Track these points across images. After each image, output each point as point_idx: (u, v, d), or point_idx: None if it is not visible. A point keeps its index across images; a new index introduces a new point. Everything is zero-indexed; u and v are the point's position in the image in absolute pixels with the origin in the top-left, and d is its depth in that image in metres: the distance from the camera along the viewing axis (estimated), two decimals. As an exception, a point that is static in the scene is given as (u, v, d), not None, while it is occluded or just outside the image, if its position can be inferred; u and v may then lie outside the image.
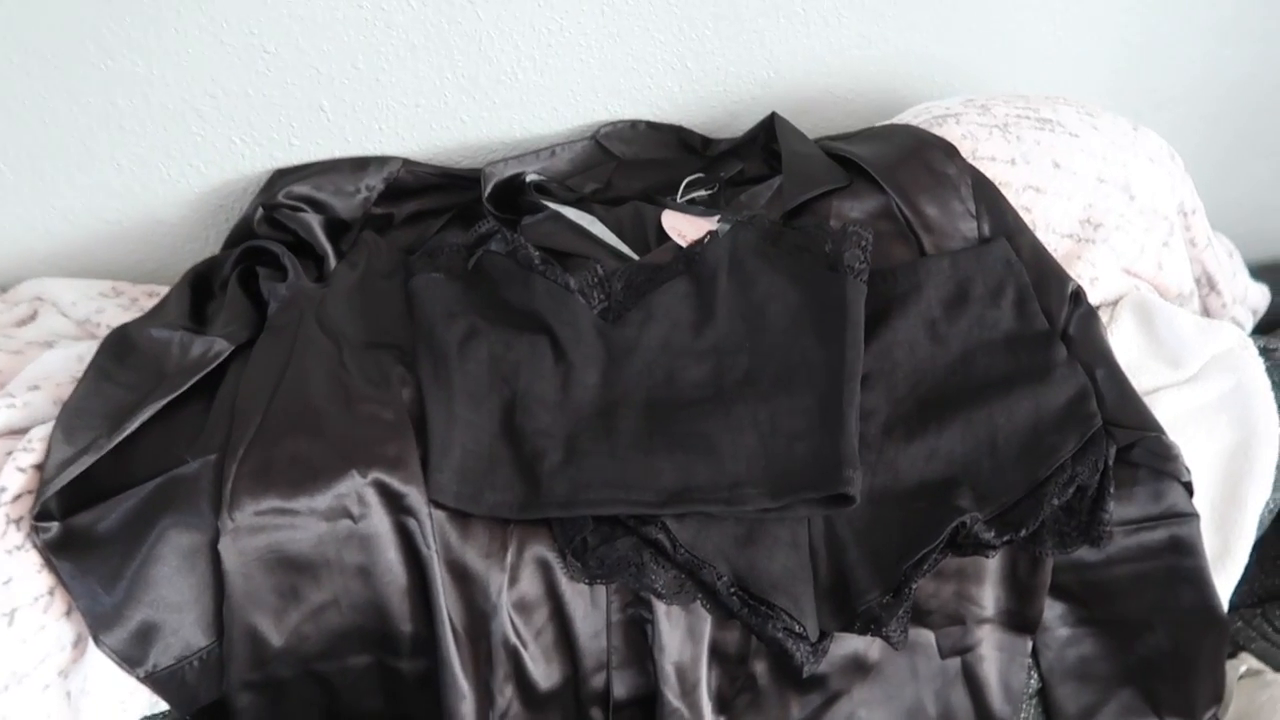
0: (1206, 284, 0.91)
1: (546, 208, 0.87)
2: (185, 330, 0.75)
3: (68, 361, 0.76)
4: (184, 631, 0.65)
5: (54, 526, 0.64)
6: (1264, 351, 0.82)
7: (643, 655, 0.69)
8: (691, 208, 0.87)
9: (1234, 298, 0.92)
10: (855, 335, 0.73)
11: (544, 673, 0.70)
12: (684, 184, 0.91)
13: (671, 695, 0.68)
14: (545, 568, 0.69)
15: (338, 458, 0.66)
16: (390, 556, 0.67)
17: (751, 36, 0.97)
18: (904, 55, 1.03)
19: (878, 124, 0.93)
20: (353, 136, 0.92)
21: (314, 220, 0.85)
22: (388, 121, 0.92)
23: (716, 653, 0.70)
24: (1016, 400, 0.73)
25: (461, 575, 0.68)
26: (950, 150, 0.82)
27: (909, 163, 0.82)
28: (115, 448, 0.67)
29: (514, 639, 0.68)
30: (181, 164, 0.90)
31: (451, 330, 0.75)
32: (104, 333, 0.77)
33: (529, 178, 0.91)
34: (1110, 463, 0.71)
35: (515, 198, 0.90)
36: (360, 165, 0.90)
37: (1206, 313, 0.92)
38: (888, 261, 0.78)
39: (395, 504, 0.67)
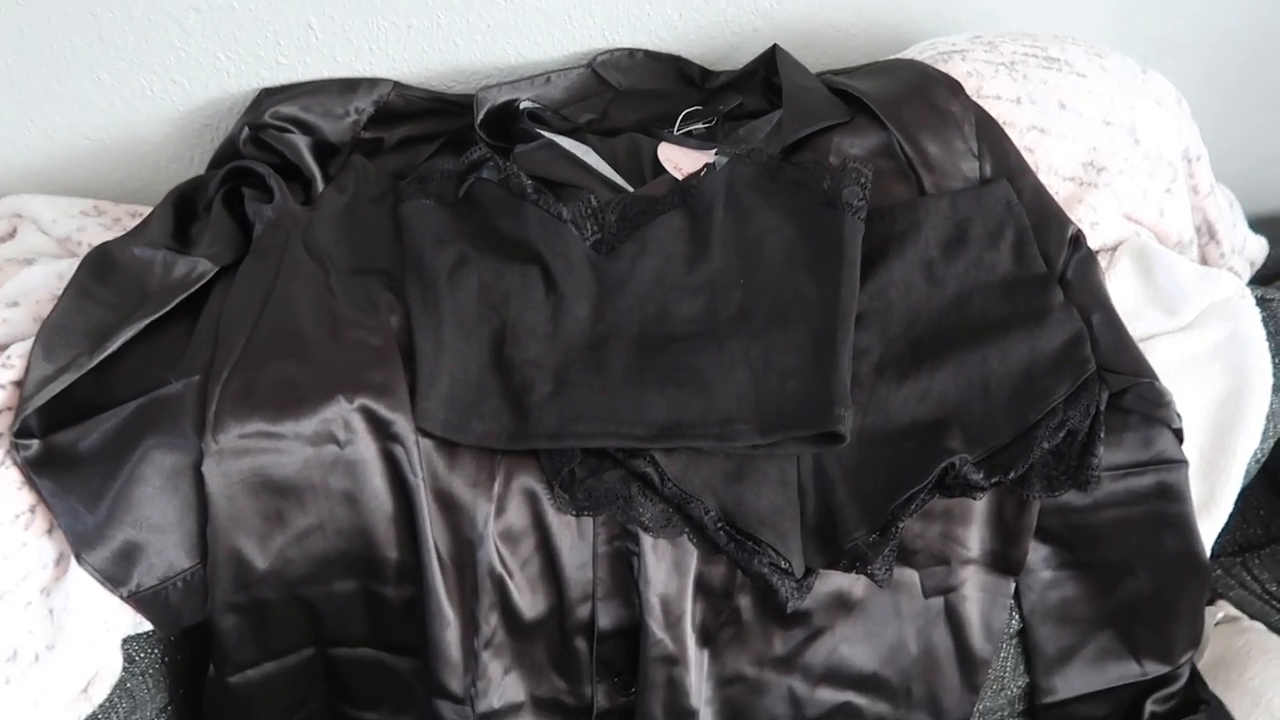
0: (1206, 232, 0.90)
1: (540, 136, 0.85)
2: (169, 250, 0.74)
3: (48, 279, 0.75)
4: (167, 553, 0.65)
5: (34, 444, 0.64)
6: (1261, 301, 0.81)
7: (628, 587, 0.70)
8: (688, 140, 0.86)
9: (1233, 248, 0.92)
10: (851, 273, 0.72)
11: (529, 602, 0.70)
12: (681, 116, 0.89)
13: (656, 627, 0.69)
14: (532, 499, 0.69)
15: (324, 383, 0.65)
16: (376, 483, 0.66)
17: (755, -35, 0.94)
18: (910, -11, 1.01)
19: (882, 59, 0.91)
20: (342, 57, 0.89)
21: (301, 142, 0.83)
22: (378, 42, 0.89)
23: (701, 586, 0.70)
24: (1011, 343, 0.73)
25: (448, 504, 0.68)
26: (955, 87, 0.81)
27: (912, 99, 0.80)
28: (96, 367, 0.66)
29: (500, 568, 0.68)
30: (164, 80, 0.87)
31: (441, 258, 0.74)
32: (85, 251, 0.76)
33: (523, 105, 0.89)
34: (1102, 408, 0.71)
35: (508, 125, 0.88)
36: (349, 87, 0.88)
37: (1205, 262, 0.91)
38: (887, 199, 0.77)
39: (382, 431, 0.66)
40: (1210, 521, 0.78)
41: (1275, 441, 0.83)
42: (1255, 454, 0.80)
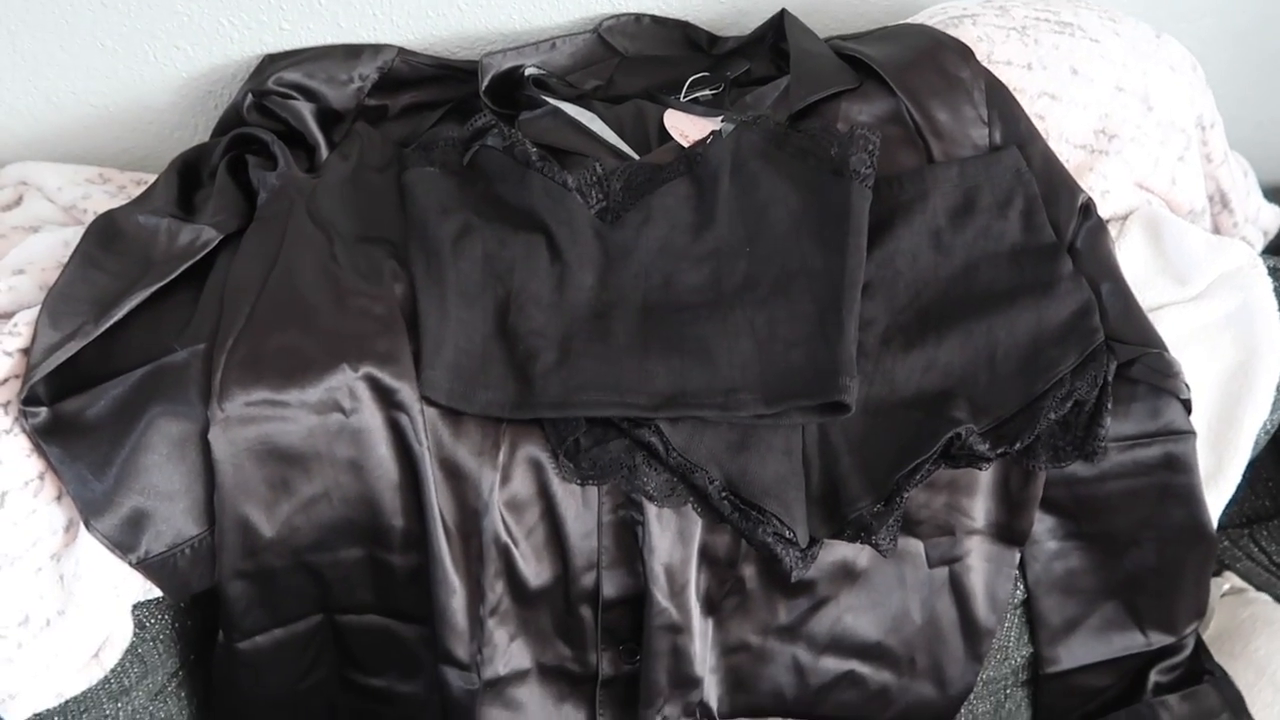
0: (1219, 201, 0.89)
1: (546, 103, 0.84)
2: (173, 218, 0.74)
3: (53, 246, 0.75)
4: (175, 520, 0.65)
5: (42, 411, 0.64)
6: (1273, 271, 0.80)
7: (633, 556, 0.70)
8: (695, 107, 0.85)
9: (1246, 217, 0.91)
10: (858, 242, 0.71)
11: (534, 570, 0.70)
12: (688, 83, 0.88)
13: (660, 596, 0.69)
14: (537, 467, 0.69)
15: (328, 351, 0.65)
16: (382, 452, 0.67)
17: (764, -73, 0.93)
18: (922, -47, 0.99)
19: (892, 24, 0.90)
20: (346, 22, 0.88)
21: (305, 109, 0.83)
22: (382, 8, 0.88)
23: (706, 555, 0.71)
24: (1018, 313, 0.72)
25: (453, 472, 0.68)
26: (965, 52, 0.79)
27: (921, 65, 0.79)
28: (102, 335, 0.66)
29: (505, 537, 0.69)
30: (168, 46, 0.86)
31: (445, 226, 0.73)
32: (90, 219, 0.76)
33: (528, 71, 0.88)
34: (1109, 379, 0.70)
35: (513, 92, 0.88)
36: (354, 53, 0.87)
37: (1217, 230, 0.90)
38: (895, 167, 0.76)
39: (387, 399, 0.66)
40: (1218, 493, 0.78)
41: (1285, 413, 0.83)
42: (1265, 425, 0.80)
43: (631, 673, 0.72)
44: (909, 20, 0.89)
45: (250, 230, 0.73)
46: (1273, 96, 1.25)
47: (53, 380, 0.65)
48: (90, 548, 0.63)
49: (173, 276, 0.69)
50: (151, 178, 0.84)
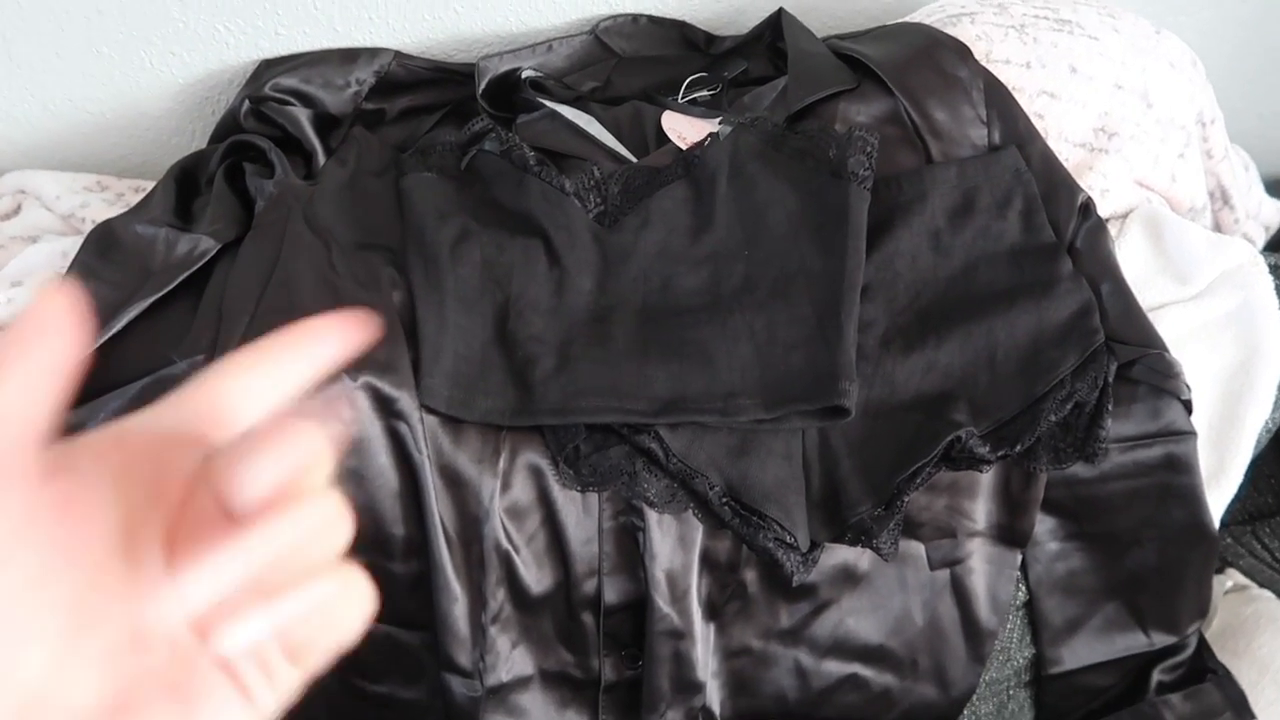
0: (1220, 197, 0.89)
1: (543, 106, 0.84)
2: (171, 227, 0.73)
3: (51, 257, 0.75)
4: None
5: (41, 425, 0.64)
6: (1274, 269, 0.80)
7: (634, 562, 0.70)
8: (692, 109, 0.85)
9: (1247, 212, 0.90)
10: (856, 244, 0.71)
11: (536, 577, 0.70)
12: (686, 83, 0.88)
13: (662, 601, 0.69)
14: (537, 474, 0.69)
15: (327, 360, 0.65)
16: (381, 460, 0.67)
17: (760, -74, 0.92)
18: (920, -51, 0.98)
19: (890, 23, 0.89)
20: (341, 26, 0.88)
21: (302, 114, 0.83)
22: (377, 11, 0.88)
23: (707, 560, 0.71)
24: (1018, 314, 0.72)
25: (453, 480, 0.68)
26: (963, 52, 0.79)
27: (919, 64, 0.79)
28: (101, 347, 0.66)
29: (506, 543, 0.69)
30: (163, 52, 0.86)
31: (443, 232, 0.73)
32: (88, 228, 0.75)
33: (525, 74, 0.87)
34: (1110, 380, 0.70)
35: (511, 95, 0.87)
36: (350, 57, 0.87)
37: (1218, 227, 0.90)
38: (893, 168, 0.76)
39: (386, 408, 0.66)
40: (1220, 492, 0.78)
41: (1287, 410, 0.82)
42: (1266, 423, 0.80)
43: (634, 678, 0.72)
44: (907, 19, 0.89)
45: (248, 239, 0.73)
46: (1274, 89, 1.25)
47: (52, 393, 0.64)
48: (91, 560, 0.63)
49: (171, 287, 0.69)
50: (150, 184, 0.83)
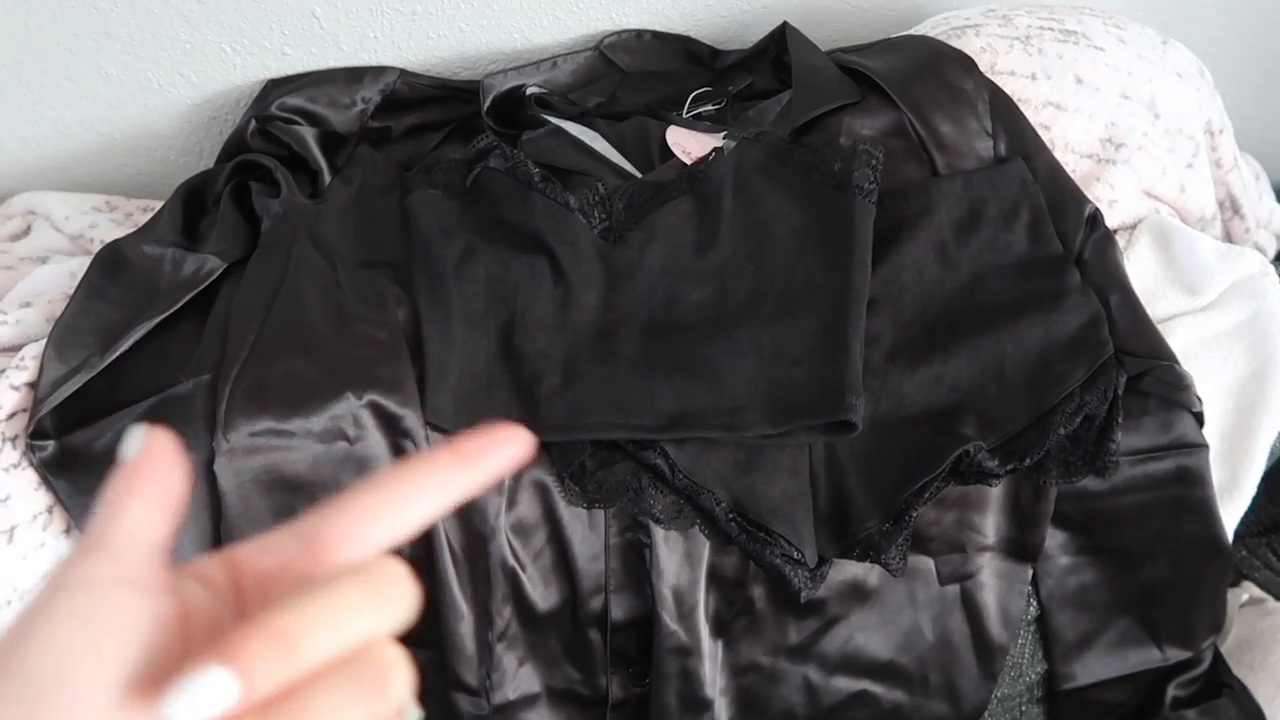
0: (1230, 207, 0.88)
1: (547, 122, 0.84)
2: (177, 247, 0.74)
3: (60, 278, 0.75)
4: (182, 551, 0.65)
5: (50, 445, 0.64)
6: (1286, 279, 0.79)
7: (640, 579, 0.69)
8: (697, 123, 0.85)
9: (1258, 222, 0.89)
10: (862, 258, 0.71)
11: (542, 594, 0.70)
12: (690, 98, 0.88)
13: (669, 618, 0.69)
14: (543, 491, 0.69)
15: (332, 379, 0.65)
16: (387, 479, 0.66)
17: (764, -60, 0.93)
18: (924, -38, 0.98)
19: (894, 35, 0.89)
20: (347, 45, 0.88)
21: (308, 133, 0.83)
22: (383, 29, 0.88)
23: (714, 577, 0.70)
24: (1026, 326, 0.72)
25: (459, 498, 0.68)
26: (968, 64, 0.79)
27: (924, 77, 0.78)
28: (108, 366, 0.66)
29: (512, 561, 0.68)
30: (171, 73, 0.87)
31: (448, 249, 0.73)
32: (97, 248, 0.76)
33: (530, 91, 0.88)
34: (1120, 392, 0.69)
35: (515, 111, 0.87)
36: (355, 76, 0.87)
37: (1229, 237, 0.89)
38: (899, 181, 0.76)
39: (392, 426, 0.66)
40: (1233, 505, 0.77)
41: (1301, 421, 0.81)
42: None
43: (641, 695, 0.72)
44: (911, 32, 0.88)
45: (254, 258, 0.73)
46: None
47: (60, 413, 0.65)
48: (99, 580, 0.63)
49: (177, 306, 0.69)
50: (158, 204, 0.84)
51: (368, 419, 0.65)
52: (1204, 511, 0.73)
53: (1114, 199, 0.80)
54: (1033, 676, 0.79)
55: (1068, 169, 0.78)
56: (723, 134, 0.80)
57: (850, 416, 0.66)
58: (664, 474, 0.68)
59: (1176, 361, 0.70)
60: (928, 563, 0.73)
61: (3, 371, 0.66)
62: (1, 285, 0.76)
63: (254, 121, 0.83)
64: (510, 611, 0.69)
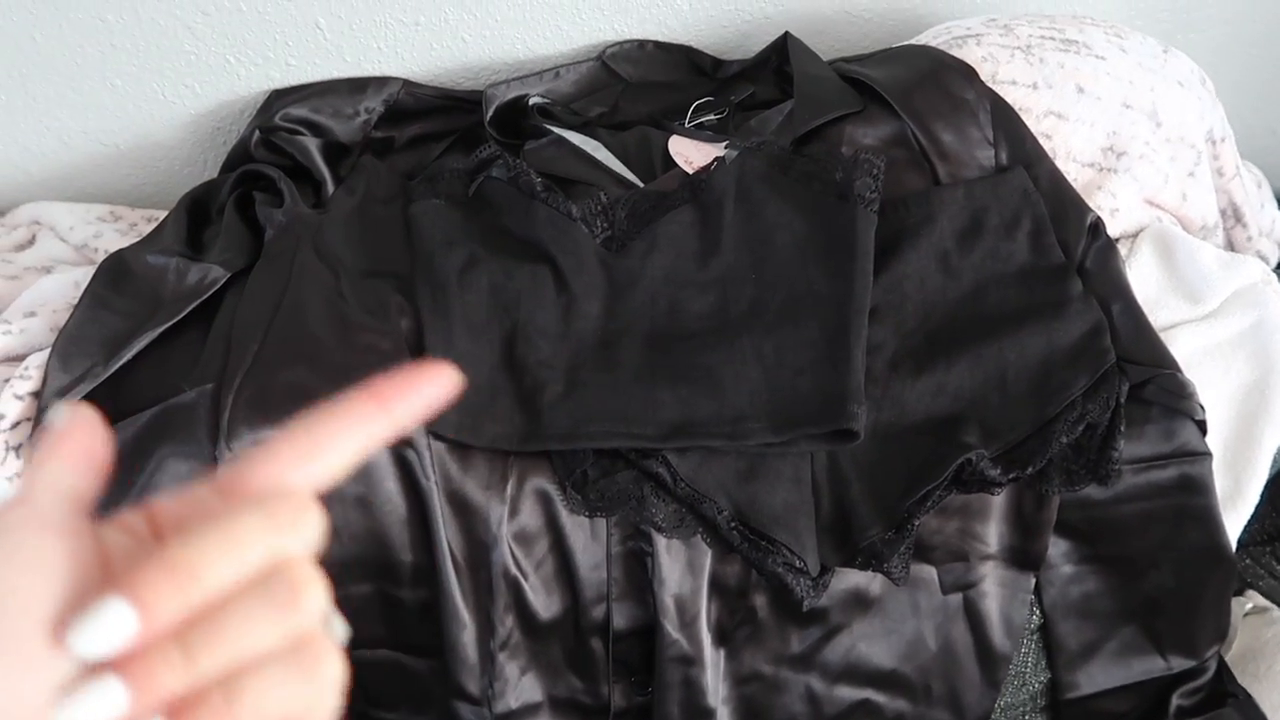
0: (1232, 216, 0.88)
1: (550, 132, 0.84)
2: (181, 257, 0.74)
3: (64, 288, 0.76)
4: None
5: (53, 454, 0.64)
6: (1288, 287, 0.79)
7: (642, 587, 0.69)
8: (699, 133, 0.85)
9: (1260, 230, 0.89)
10: (864, 266, 0.71)
11: (544, 603, 0.70)
12: (692, 108, 0.88)
13: (671, 627, 0.69)
14: (545, 500, 0.69)
15: (335, 388, 0.65)
16: (389, 487, 0.67)
17: (765, -49, 0.93)
18: (925, -28, 0.99)
19: (895, 45, 0.89)
20: (350, 56, 0.89)
21: (312, 144, 0.83)
22: (386, 40, 0.89)
23: (716, 586, 0.70)
24: (1028, 335, 0.72)
25: (461, 506, 0.68)
26: (969, 73, 0.79)
27: (925, 86, 0.79)
28: (112, 376, 0.67)
29: (514, 570, 0.68)
30: (176, 84, 0.87)
31: (451, 259, 0.74)
32: (101, 258, 0.76)
33: (532, 101, 0.88)
34: (1122, 400, 0.69)
35: (518, 121, 0.88)
36: (359, 87, 0.88)
37: (1231, 245, 0.89)
38: (900, 190, 0.76)
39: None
40: (1236, 513, 0.77)
41: (1304, 429, 0.81)
42: (1283, 443, 0.79)
43: (643, 704, 0.72)
44: (912, 41, 0.89)
45: (257, 268, 0.73)
46: (1286, 104, 1.24)
47: (63, 422, 0.65)
48: (102, 589, 0.64)
49: (181, 316, 0.70)
50: (162, 214, 0.84)
51: (370, 428, 0.65)
52: (1207, 520, 0.73)
53: (1116, 207, 0.80)
54: (1036, 685, 0.79)
55: (1069, 178, 0.78)
56: (725, 143, 0.80)
57: (852, 425, 0.66)
58: (666, 483, 0.68)
59: (1179, 369, 0.70)
60: (930, 571, 0.73)
61: (7, 381, 0.67)
62: (6, 295, 0.77)
63: (258, 132, 0.84)
64: (512, 620, 0.69)
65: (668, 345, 0.71)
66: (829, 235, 0.72)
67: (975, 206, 0.76)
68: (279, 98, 0.87)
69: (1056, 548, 0.74)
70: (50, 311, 0.73)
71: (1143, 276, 0.78)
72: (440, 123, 0.90)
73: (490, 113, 0.86)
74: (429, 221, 0.77)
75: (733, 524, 0.67)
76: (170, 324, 0.69)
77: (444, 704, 0.70)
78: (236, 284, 0.73)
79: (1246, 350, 0.77)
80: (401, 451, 0.66)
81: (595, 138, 0.85)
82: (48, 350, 0.68)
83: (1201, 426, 0.72)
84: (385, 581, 0.69)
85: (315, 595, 0.28)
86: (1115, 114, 0.80)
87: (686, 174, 0.79)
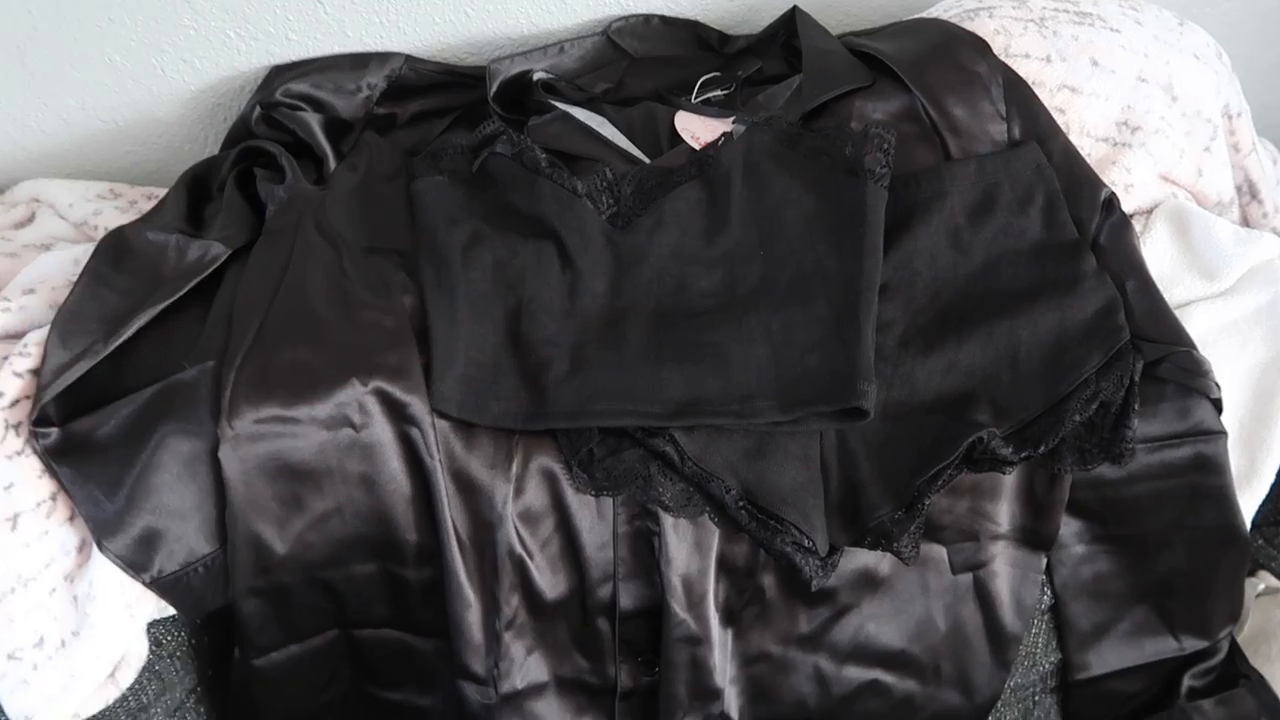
0: (1248, 192, 0.87)
1: (555, 108, 0.83)
2: (182, 234, 0.73)
3: (64, 265, 0.75)
4: (187, 538, 0.65)
5: (53, 432, 0.64)
6: (1305, 263, 0.78)
7: (649, 567, 0.69)
8: (706, 109, 0.84)
9: (1276, 206, 0.88)
10: (874, 243, 0.70)
11: (550, 583, 0.69)
12: (699, 83, 0.87)
13: (678, 607, 0.68)
14: (551, 479, 0.68)
15: (338, 366, 0.65)
16: (393, 466, 0.66)
17: (774, -77, 0.91)
18: (936, -56, 0.97)
19: (906, 18, 0.88)
20: (352, 31, 0.88)
21: (313, 120, 0.82)
22: (388, 15, 0.88)
23: (724, 565, 0.69)
24: (1041, 312, 0.71)
25: (466, 485, 0.67)
26: (982, 47, 0.78)
27: (937, 60, 0.78)
28: (112, 353, 0.66)
29: (519, 549, 0.68)
30: (175, 59, 0.86)
31: (455, 236, 0.73)
32: (101, 236, 0.75)
33: (536, 76, 0.87)
34: (1136, 378, 0.68)
35: (522, 97, 0.87)
36: (361, 62, 0.87)
37: (1246, 222, 0.88)
38: (911, 166, 0.75)
39: (398, 413, 0.65)
40: (1251, 493, 0.76)
41: (1320, 408, 0.80)
42: (1299, 422, 0.78)
43: (650, 685, 0.71)
44: (923, 14, 0.87)
45: (258, 245, 0.73)
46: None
47: (63, 400, 0.64)
48: (103, 568, 0.63)
49: (181, 293, 0.69)
50: (162, 191, 0.83)
51: (374, 406, 0.65)
52: (1221, 500, 0.72)
53: (1130, 183, 0.78)
54: (1046, 666, 0.78)
55: (1083, 152, 0.77)
56: (732, 119, 0.79)
57: (862, 403, 0.65)
58: (673, 461, 0.67)
59: (1194, 347, 0.70)
60: (940, 551, 0.72)
61: (6, 358, 0.66)
62: (5, 272, 0.76)
63: (259, 108, 0.83)
64: (518, 600, 0.69)
65: (674, 323, 0.70)
66: (838, 211, 0.71)
67: (987, 182, 0.74)
68: (280, 73, 0.86)
69: (1068, 527, 0.74)
70: (49, 289, 0.72)
71: (1157, 253, 0.77)
72: (443, 99, 0.89)
73: (494, 88, 0.85)
74: (432, 198, 0.76)
75: (741, 503, 0.67)
76: (171, 301, 0.68)
77: (449, 684, 0.70)
78: (237, 261, 0.72)
79: (1263, 327, 0.75)
80: (406, 430, 0.66)
81: (600, 113, 0.84)
82: (47, 328, 0.67)
83: (1217, 405, 0.71)
84: (389, 561, 0.68)
85: None
86: (1130, 88, 0.79)
87: (693, 150, 0.78)
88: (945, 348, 0.71)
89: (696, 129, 0.80)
